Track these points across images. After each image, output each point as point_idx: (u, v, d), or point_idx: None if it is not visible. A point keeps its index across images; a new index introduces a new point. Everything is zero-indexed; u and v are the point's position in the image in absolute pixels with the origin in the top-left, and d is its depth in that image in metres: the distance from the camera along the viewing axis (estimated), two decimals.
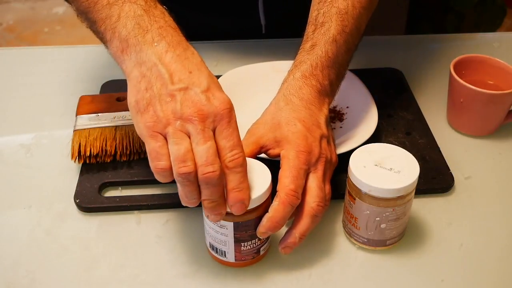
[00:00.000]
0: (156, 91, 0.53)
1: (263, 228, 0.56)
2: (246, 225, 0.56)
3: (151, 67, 0.54)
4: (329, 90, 0.65)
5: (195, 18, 0.98)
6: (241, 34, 0.96)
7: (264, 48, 0.95)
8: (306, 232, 0.58)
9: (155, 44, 0.55)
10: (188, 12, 0.99)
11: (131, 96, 0.54)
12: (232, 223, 0.55)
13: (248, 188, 0.54)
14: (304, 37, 0.69)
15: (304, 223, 0.58)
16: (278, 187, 0.57)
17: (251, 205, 0.55)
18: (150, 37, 0.55)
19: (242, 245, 0.58)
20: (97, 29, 0.59)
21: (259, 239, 0.58)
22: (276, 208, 0.56)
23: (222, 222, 0.56)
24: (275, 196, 0.56)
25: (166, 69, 0.53)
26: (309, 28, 0.68)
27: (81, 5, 0.59)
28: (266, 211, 0.56)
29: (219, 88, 0.55)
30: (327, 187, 0.60)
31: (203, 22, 0.98)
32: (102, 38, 0.59)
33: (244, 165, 0.53)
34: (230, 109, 0.53)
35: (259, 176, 0.56)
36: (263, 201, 0.56)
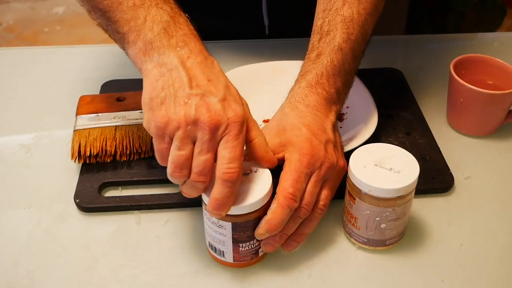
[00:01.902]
0: (173, 91, 0.53)
1: (261, 230, 0.56)
2: (245, 226, 0.56)
3: (171, 69, 0.54)
4: (336, 98, 0.65)
5: (198, 18, 0.98)
6: (245, 35, 0.96)
7: (265, 49, 0.95)
8: (287, 231, 0.58)
9: (178, 49, 0.55)
10: (191, 12, 0.99)
11: (146, 93, 0.55)
12: (230, 223, 0.55)
13: (230, 204, 0.54)
14: (310, 46, 0.68)
15: (287, 224, 0.58)
16: (278, 190, 0.56)
17: (251, 208, 0.55)
18: (174, 42, 0.55)
19: (241, 246, 0.58)
20: (117, 29, 0.58)
21: (258, 240, 0.58)
22: (274, 210, 0.56)
23: (221, 222, 0.56)
24: (274, 199, 0.56)
25: (186, 73, 0.54)
26: (314, 37, 0.68)
27: (101, 4, 0.59)
28: (265, 212, 0.56)
29: (236, 99, 0.55)
30: (324, 192, 0.60)
31: (206, 23, 0.98)
32: (122, 38, 0.58)
33: (236, 181, 0.53)
34: (242, 123, 0.53)
35: (260, 179, 0.56)
36: (262, 204, 0.55)
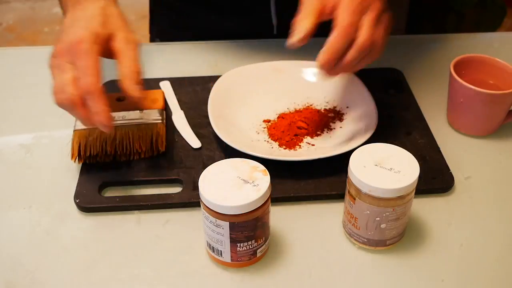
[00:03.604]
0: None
1: (321, 60, 0.60)
2: (242, 226, 0.56)
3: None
4: None
5: (207, 18, 0.99)
6: (252, 35, 0.97)
7: (266, 48, 0.95)
8: (347, 60, 0.62)
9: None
10: (200, 11, 1.00)
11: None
12: (228, 223, 0.55)
13: (106, 111, 0.60)
14: None
15: (349, 53, 0.62)
16: (335, 22, 0.60)
17: (248, 208, 0.55)
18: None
19: (238, 246, 0.58)
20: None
21: (256, 241, 0.58)
22: (333, 40, 0.60)
23: (219, 222, 0.56)
24: (333, 31, 0.60)
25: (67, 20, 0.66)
26: None
27: None
28: (263, 214, 0.56)
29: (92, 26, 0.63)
30: (378, 31, 0.63)
31: (214, 22, 0.99)
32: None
33: (95, 91, 0.59)
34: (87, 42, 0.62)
35: (259, 179, 0.56)
36: (260, 205, 0.55)
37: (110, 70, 0.89)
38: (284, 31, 0.98)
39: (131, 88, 0.62)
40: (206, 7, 0.98)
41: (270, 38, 0.97)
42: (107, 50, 0.65)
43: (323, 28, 1.00)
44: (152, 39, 1.10)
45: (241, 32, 0.97)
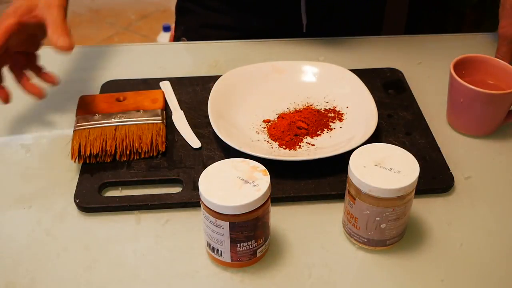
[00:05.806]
0: None
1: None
2: (242, 226, 0.56)
3: None
4: None
5: (235, 16, 0.99)
6: (282, 33, 0.97)
7: (266, 48, 0.95)
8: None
9: None
10: (228, 9, 1.00)
11: None
12: (228, 223, 0.55)
13: None
14: None
15: None
16: None
17: (248, 208, 0.55)
18: None
19: (238, 246, 0.58)
20: None
21: (256, 241, 0.58)
22: None
23: (219, 222, 0.56)
24: None
25: None
26: None
27: None
28: (263, 214, 0.56)
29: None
30: None
31: (242, 20, 0.99)
32: None
33: None
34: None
35: (259, 179, 0.56)
36: (260, 205, 0.55)
37: (110, 70, 0.89)
38: (314, 30, 0.99)
39: (60, 39, 0.69)
40: (235, 5, 0.98)
41: (299, 36, 0.97)
42: (31, 18, 0.72)
43: (323, 29, 1.01)
44: (178, 38, 1.09)
45: (270, 31, 0.97)
